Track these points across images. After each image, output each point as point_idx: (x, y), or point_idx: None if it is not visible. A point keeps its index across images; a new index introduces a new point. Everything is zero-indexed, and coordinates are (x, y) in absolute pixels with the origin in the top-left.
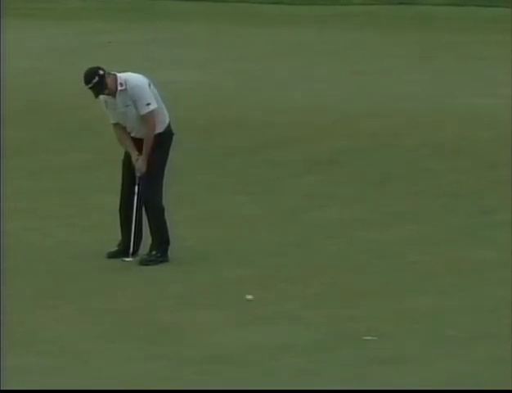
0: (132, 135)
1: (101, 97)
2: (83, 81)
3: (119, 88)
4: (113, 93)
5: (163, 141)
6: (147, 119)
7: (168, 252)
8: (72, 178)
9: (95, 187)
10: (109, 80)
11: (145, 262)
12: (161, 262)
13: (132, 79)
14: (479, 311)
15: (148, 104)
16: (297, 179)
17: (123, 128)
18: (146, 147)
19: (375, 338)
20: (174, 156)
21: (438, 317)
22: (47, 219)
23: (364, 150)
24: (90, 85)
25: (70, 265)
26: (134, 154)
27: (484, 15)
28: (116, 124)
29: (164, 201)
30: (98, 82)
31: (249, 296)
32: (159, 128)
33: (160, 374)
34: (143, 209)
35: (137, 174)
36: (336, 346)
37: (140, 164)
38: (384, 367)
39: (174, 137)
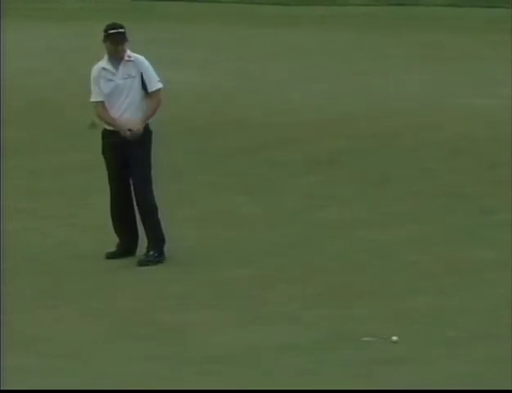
0: (116, 117)
1: (98, 66)
2: (109, 27)
3: (127, 58)
4: (119, 59)
5: (149, 135)
6: (155, 95)
7: (165, 250)
8: (72, 178)
9: (95, 187)
10: (126, 42)
11: (143, 263)
12: (159, 262)
13: (142, 57)
14: (479, 311)
15: (159, 81)
16: (297, 179)
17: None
18: (149, 112)
19: (374, 339)
20: (174, 156)
21: (438, 317)
22: (47, 219)
23: (364, 150)
24: (121, 29)
25: (70, 265)
26: (122, 127)
27: (482, 16)
28: (99, 103)
29: (156, 200)
30: (124, 33)
31: (395, 338)
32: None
33: (160, 374)
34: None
35: (129, 137)
36: (336, 346)
37: (138, 124)
38: (383, 367)
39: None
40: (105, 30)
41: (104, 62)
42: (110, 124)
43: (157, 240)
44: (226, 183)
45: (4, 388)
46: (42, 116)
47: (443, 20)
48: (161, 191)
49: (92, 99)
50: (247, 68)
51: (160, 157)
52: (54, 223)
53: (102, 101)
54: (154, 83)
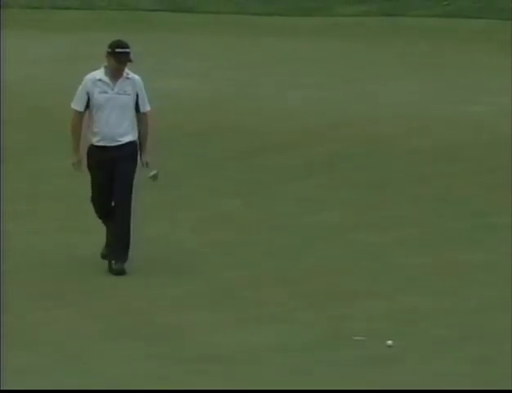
0: (106, 130)
1: (93, 76)
2: (116, 44)
3: (125, 75)
4: (118, 76)
5: (137, 150)
6: (146, 117)
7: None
8: (71, 181)
9: None
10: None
11: (121, 271)
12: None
13: (139, 78)
14: (475, 312)
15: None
16: (295, 183)
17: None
18: (147, 142)
19: (365, 338)
20: (173, 161)
21: (435, 317)
22: (47, 222)
23: (362, 154)
24: (127, 49)
25: (70, 267)
26: (77, 152)
27: (473, 27)
28: (79, 113)
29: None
30: (130, 53)
31: (389, 342)
32: (136, 137)
33: (159, 374)
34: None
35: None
36: (334, 346)
37: (149, 159)
38: (381, 367)
39: None
40: (111, 47)
41: (100, 74)
42: (73, 137)
43: (126, 245)
44: (224, 187)
45: (4, 388)
46: (42, 121)
47: (434, 30)
48: (160, 195)
49: (74, 106)
50: (245, 75)
51: (160, 162)
52: (54, 225)
53: (82, 113)
54: (147, 105)
